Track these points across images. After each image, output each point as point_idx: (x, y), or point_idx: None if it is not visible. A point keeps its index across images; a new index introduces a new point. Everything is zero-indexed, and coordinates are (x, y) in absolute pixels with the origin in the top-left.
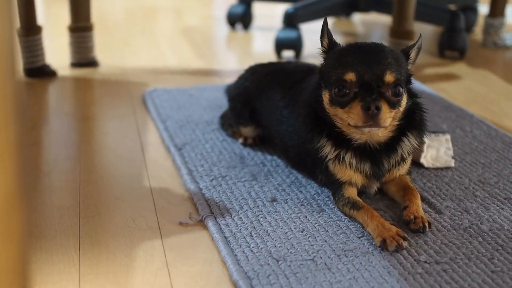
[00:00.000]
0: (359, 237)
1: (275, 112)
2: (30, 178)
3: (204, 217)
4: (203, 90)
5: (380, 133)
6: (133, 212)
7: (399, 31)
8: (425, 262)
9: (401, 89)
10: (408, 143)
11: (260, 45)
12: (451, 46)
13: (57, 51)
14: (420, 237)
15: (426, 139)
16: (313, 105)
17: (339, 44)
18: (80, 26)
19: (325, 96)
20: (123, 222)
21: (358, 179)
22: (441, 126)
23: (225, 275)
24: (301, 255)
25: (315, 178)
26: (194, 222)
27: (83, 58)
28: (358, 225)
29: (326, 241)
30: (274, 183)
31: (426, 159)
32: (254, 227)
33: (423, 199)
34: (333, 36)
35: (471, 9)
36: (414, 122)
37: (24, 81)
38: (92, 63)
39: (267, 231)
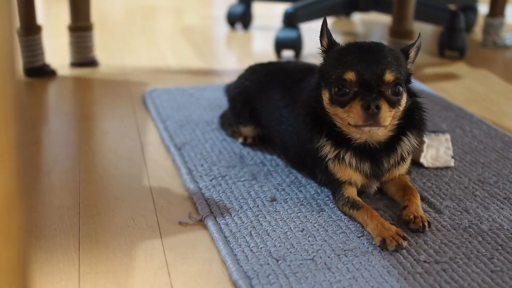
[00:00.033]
0: (359, 237)
1: (275, 112)
2: (30, 178)
3: (203, 216)
4: (203, 90)
5: (380, 133)
6: (133, 211)
7: (399, 30)
8: (425, 261)
9: (401, 88)
10: (408, 143)
11: (260, 45)
12: (451, 46)
13: (57, 50)
14: (420, 237)
15: (425, 139)
16: (313, 104)
17: (339, 44)
18: (80, 26)
19: (325, 96)
20: (123, 221)
21: (357, 178)
22: (440, 126)
23: (224, 275)
24: (301, 255)
25: (315, 178)
26: (193, 221)
27: (83, 57)
28: (358, 225)
29: (325, 240)
30: (273, 182)
31: (426, 158)
32: (254, 227)
33: (423, 199)
34: (333, 35)
35: (471, 9)
36: (413, 122)
37: (24, 80)
38: (92, 62)
39: (266, 230)
